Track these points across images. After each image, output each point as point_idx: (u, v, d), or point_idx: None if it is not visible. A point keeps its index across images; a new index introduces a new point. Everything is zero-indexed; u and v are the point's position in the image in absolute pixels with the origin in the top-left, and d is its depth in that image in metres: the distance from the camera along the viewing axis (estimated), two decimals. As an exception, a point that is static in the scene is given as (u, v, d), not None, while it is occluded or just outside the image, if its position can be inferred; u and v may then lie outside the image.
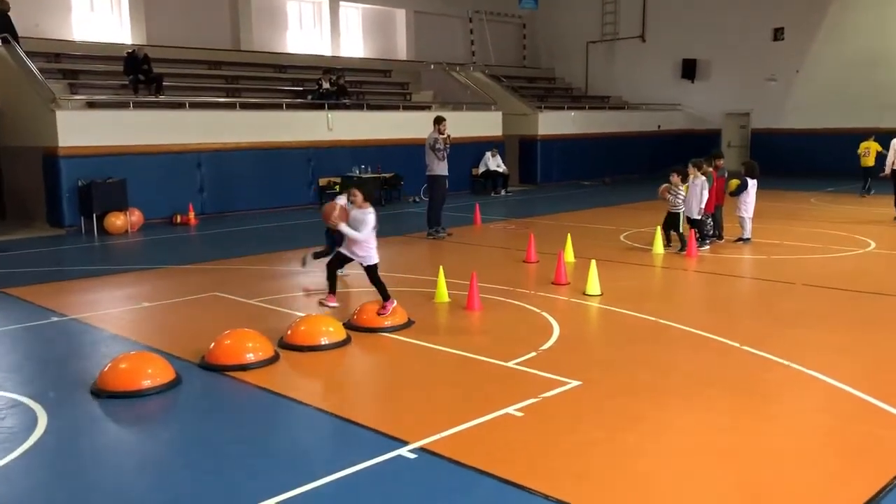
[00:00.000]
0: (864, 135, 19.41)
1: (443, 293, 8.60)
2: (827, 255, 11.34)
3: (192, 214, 15.80)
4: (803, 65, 25.09)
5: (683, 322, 7.55)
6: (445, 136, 13.35)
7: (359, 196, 7.87)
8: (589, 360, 6.53)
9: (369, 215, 7.79)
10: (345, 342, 6.95)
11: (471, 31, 28.30)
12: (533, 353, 6.58)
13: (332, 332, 6.94)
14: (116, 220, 14.39)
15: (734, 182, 12.37)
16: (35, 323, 7.93)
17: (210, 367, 6.32)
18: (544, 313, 7.98)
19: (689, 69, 27.38)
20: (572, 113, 25.21)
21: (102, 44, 19.11)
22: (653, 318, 7.72)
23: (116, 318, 8.18)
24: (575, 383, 5.81)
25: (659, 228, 11.75)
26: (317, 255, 9.25)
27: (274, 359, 6.48)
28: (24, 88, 15.30)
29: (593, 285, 8.84)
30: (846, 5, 24.14)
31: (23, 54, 15.53)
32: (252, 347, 6.41)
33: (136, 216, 14.83)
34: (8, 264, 11.41)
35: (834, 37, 24.44)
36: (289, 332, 6.95)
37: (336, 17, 24.69)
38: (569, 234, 11.29)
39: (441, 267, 8.81)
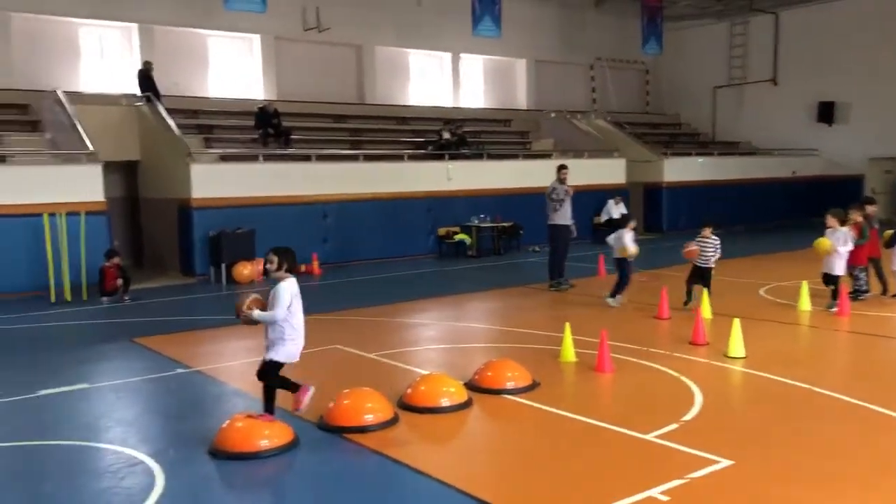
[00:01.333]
0: None
1: (569, 352, 8.09)
2: None
3: (315, 264, 16.00)
4: (958, 104, 23.14)
5: (843, 391, 6.72)
6: (566, 186, 12.87)
7: (274, 262, 5.84)
8: (739, 434, 5.84)
9: (281, 290, 5.72)
10: (466, 404, 6.56)
11: (592, 78, 27.90)
12: (674, 425, 5.96)
13: (452, 392, 6.57)
14: (244, 270, 14.71)
15: (888, 233, 11.26)
16: (160, 375, 7.99)
17: (328, 428, 6.07)
18: (683, 378, 7.32)
19: (827, 112, 25.80)
20: (700, 159, 24.22)
21: (236, 100, 19.96)
22: (807, 386, 6.92)
23: (238, 370, 8.14)
24: (726, 463, 5.17)
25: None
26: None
27: (393, 420, 6.17)
28: (162, 143, 16.10)
29: (737, 346, 8.09)
30: None
31: (163, 111, 16.37)
32: (371, 408, 6.13)
33: (262, 266, 15.10)
34: (140, 313, 11.78)
35: None
36: (408, 391, 6.64)
37: (457, 69, 24.92)
38: (704, 289, 10.52)
39: (567, 323, 8.31)
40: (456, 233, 18.50)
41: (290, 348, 5.86)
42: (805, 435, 5.75)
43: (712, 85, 28.56)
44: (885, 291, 11.23)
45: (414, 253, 18.02)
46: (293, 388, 5.95)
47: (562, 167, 13.15)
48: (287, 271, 5.85)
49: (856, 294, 10.95)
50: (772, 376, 7.32)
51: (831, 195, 23.15)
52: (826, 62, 25.51)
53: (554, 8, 26.41)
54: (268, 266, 5.93)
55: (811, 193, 24.74)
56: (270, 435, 5.67)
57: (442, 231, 18.54)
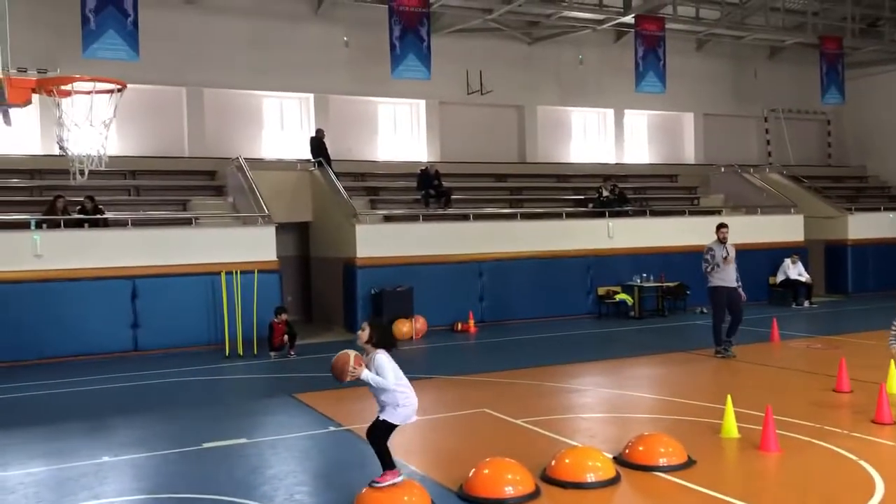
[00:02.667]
0: None
1: (731, 427, 7.49)
2: None
3: (472, 322, 16.07)
4: None
5: None
6: (726, 246, 12.00)
7: (366, 333, 5.92)
8: (928, 535, 5.11)
9: (382, 360, 5.85)
10: (613, 481, 6.21)
11: (766, 130, 26.52)
12: (848, 519, 5.32)
13: (599, 467, 6.25)
14: (403, 327, 15.03)
15: None
16: (313, 432, 8.24)
17: (467, 497, 5.95)
18: (863, 462, 6.55)
19: None
20: (890, 214, 22.16)
21: (403, 162, 20.74)
22: None
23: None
24: (909, 570, 4.51)
25: None
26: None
27: (534, 494, 5.94)
28: (331, 205, 16.98)
29: (929, 429, 7.17)
30: None
31: (332, 175, 17.30)
32: (511, 480, 5.95)
33: (420, 323, 15.40)
34: (303, 368, 12.29)
35: None
36: (552, 463, 6.39)
37: (621, 125, 24.57)
38: (893, 360, 9.44)
39: (729, 396, 7.72)
40: (616, 292, 17.97)
41: (406, 412, 5.86)
42: None
43: (904, 133, 26.24)
44: None
45: (572, 313, 17.66)
46: (389, 464, 5.82)
47: (721, 226, 12.37)
48: (377, 345, 5.88)
49: None
50: (973, 467, 6.38)
51: None
52: None
53: (724, 60, 25.50)
54: (360, 333, 5.99)
55: None
56: (410, 502, 5.63)
57: (602, 290, 18.08)
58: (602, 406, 9.42)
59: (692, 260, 18.82)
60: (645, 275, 18.21)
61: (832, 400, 9.06)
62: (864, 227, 21.37)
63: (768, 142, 26.47)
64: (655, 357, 12.49)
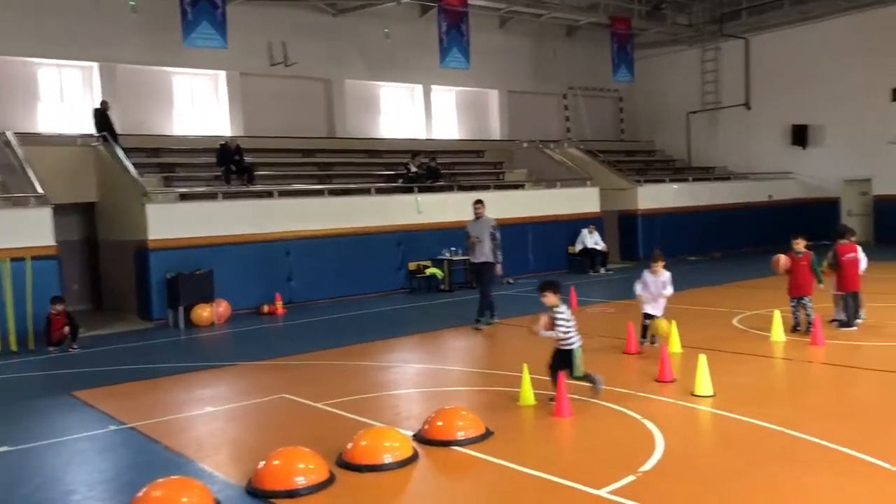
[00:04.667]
0: None
1: (528, 395, 7.63)
2: (985, 342, 9.67)
3: (279, 304, 15.49)
4: (930, 124, 23.08)
5: (819, 433, 6.26)
6: (490, 222, 12.74)
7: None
8: (702, 487, 5.38)
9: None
10: (411, 460, 6.07)
11: (565, 107, 27.75)
12: (631, 478, 5.50)
13: (396, 447, 6.08)
14: (203, 312, 14.19)
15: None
16: (89, 433, 7.45)
17: (256, 492, 5.57)
18: (646, 421, 6.86)
19: (800, 135, 25.70)
20: (674, 185, 23.99)
21: (201, 137, 19.55)
22: (779, 428, 6.47)
23: (175, 426, 7.61)
24: (683, 523, 4.71)
25: (777, 316, 10.33)
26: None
27: (328, 482, 5.67)
28: (119, 183, 15.65)
29: (703, 384, 7.65)
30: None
31: (119, 151, 15.92)
32: (303, 469, 5.63)
33: (222, 307, 14.61)
34: (87, 363, 11.22)
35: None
36: (348, 447, 6.14)
37: (429, 101, 24.66)
38: (673, 321, 10.07)
39: (525, 364, 7.85)
40: (427, 267, 18.06)
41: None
42: (777, 489, 5.28)
43: (686, 111, 28.47)
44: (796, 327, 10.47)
45: (384, 289, 17.55)
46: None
47: (475, 201, 12.98)
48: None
49: (841, 323, 10.63)
50: (741, 417, 6.87)
51: (807, 218, 22.96)
52: (798, 85, 25.47)
53: (525, 38, 26.29)
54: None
55: (788, 217, 24.48)
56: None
57: (413, 265, 18.10)
58: (408, 382, 9.33)
59: (500, 232, 19.45)
60: (454, 248, 18.41)
61: (623, 362, 9.52)
62: (652, 197, 22.94)
63: (567, 118, 27.72)
64: (464, 329, 12.61)
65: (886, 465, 5.51)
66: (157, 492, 5.25)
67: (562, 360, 7.70)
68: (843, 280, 10.61)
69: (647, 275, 10.02)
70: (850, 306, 10.63)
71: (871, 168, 24.30)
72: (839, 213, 24.90)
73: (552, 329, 7.66)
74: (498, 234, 12.71)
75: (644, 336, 9.97)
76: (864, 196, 24.92)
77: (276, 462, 5.69)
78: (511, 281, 18.52)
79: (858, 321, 10.72)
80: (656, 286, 9.84)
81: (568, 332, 7.68)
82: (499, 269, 12.72)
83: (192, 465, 6.34)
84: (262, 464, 5.73)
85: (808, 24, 25.28)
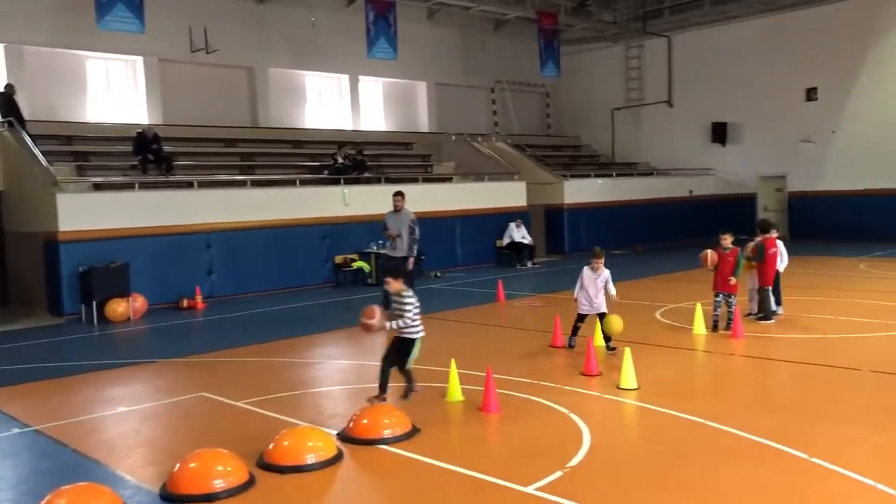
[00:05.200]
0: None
1: (456, 391, 7.53)
2: (891, 333, 10.07)
3: (199, 298, 14.98)
4: (839, 124, 24.05)
5: (737, 425, 6.37)
6: (410, 216, 12.34)
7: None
8: (629, 481, 5.38)
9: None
10: (335, 459, 5.88)
11: (493, 101, 27.81)
12: (558, 473, 5.46)
13: (320, 447, 5.88)
14: (118, 307, 13.60)
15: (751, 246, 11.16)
16: (-10, 437, 7.00)
17: (170, 497, 5.29)
18: (573, 415, 6.86)
19: (720, 132, 26.45)
20: (599, 180, 24.34)
21: (118, 125, 18.74)
22: (701, 420, 6.56)
23: (85, 428, 7.20)
24: (610, 519, 4.68)
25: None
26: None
27: (248, 484, 5.43)
28: (26, 172, 14.83)
29: (628, 377, 7.71)
30: (881, 61, 23.20)
31: (27, 137, 15.10)
32: (222, 472, 5.38)
33: (139, 302, 14.04)
34: (-8, 360, 10.59)
35: (869, 95, 23.44)
36: (270, 447, 5.91)
37: (356, 92, 24.30)
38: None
39: (453, 360, 7.75)
40: (354, 260, 17.79)
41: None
42: (698, 480, 5.33)
43: (611, 107, 28.93)
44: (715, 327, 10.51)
45: (310, 283, 17.18)
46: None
47: (395, 193, 12.47)
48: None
49: (759, 316, 10.91)
50: (665, 410, 6.94)
51: (726, 214, 23.68)
52: (718, 84, 26.18)
53: (453, 30, 26.21)
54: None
55: (708, 212, 25.23)
56: (96, 512, 4.86)
57: (339, 259, 17.80)
58: (332, 379, 9.11)
59: (427, 225, 19.23)
60: (381, 241, 18.17)
61: (549, 355, 9.52)
62: (577, 192, 23.21)
63: (495, 112, 27.79)
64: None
65: (804, 456, 5.62)
66: (62, 500, 4.91)
67: (400, 351, 7.37)
68: (764, 274, 10.88)
69: (586, 272, 9.56)
70: (765, 300, 10.91)
71: (786, 165, 25.20)
72: (756, 208, 25.74)
73: (396, 319, 7.28)
74: (417, 230, 12.32)
75: (574, 336, 9.63)
76: (780, 192, 25.83)
77: (192, 465, 5.42)
78: (439, 275, 18.45)
79: (777, 314, 11.04)
80: (595, 285, 9.42)
81: (416, 318, 7.34)
82: (410, 262, 12.20)
83: (103, 469, 6.00)
84: (177, 467, 5.45)
85: (727, 24, 26.00)
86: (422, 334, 7.43)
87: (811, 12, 24.19)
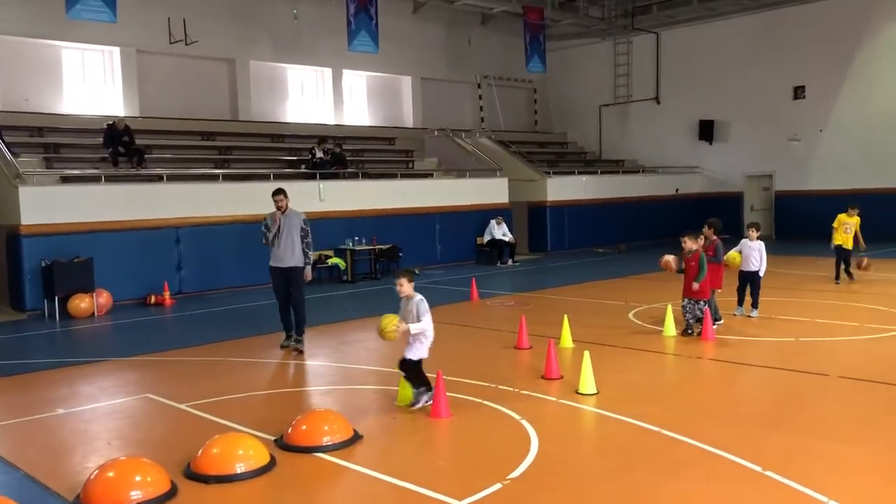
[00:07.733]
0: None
1: (406, 394, 7.24)
2: (866, 336, 9.82)
3: (167, 294, 14.67)
4: (827, 123, 23.81)
5: (693, 434, 6.10)
6: (299, 217, 10.02)
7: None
8: (567, 495, 5.10)
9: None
10: (266, 469, 5.59)
11: (479, 96, 27.50)
12: (497, 486, 5.18)
13: (250, 455, 5.59)
14: (81, 303, 13.29)
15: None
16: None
17: (83, 509, 5.00)
18: (524, 421, 6.58)
19: (707, 131, 26.20)
20: (583, 178, 24.05)
21: (91, 117, 18.40)
22: (656, 429, 6.28)
23: (17, 431, 6.91)
24: (541, 538, 4.40)
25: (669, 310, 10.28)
26: None
27: (168, 495, 5.14)
28: (-10, 164, 14.49)
29: (587, 382, 7.43)
30: (869, 60, 22.96)
31: (-9, 129, 14.77)
32: (140, 482, 5.08)
33: (103, 298, 13.72)
34: (-58, 357, 10.27)
35: (857, 93, 23.20)
36: (198, 454, 5.62)
37: (339, 86, 23.98)
38: (565, 316, 9.86)
39: (406, 362, 7.45)
40: (329, 256, 17.49)
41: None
42: (643, 495, 5.05)
43: (598, 103, 28.67)
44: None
45: (283, 279, 16.83)
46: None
47: (275, 192, 10.03)
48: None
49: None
50: (620, 417, 6.66)
51: (713, 212, 23.37)
52: (706, 81, 25.93)
53: (439, 24, 25.89)
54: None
55: (694, 211, 24.97)
56: (-2, 525, 4.57)
57: (314, 255, 17.42)
58: (286, 381, 8.82)
59: (406, 222, 19.11)
60: (357, 238, 17.94)
61: (513, 357, 9.25)
62: (560, 189, 22.93)
63: (481, 108, 27.49)
64: (361, 322, 12.15)
65: (756, 468, 5.36)
66: (-37, 512, 4.64)
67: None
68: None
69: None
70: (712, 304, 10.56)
71: (773, 164, 24.97)
72: (742, 207, 25.51)
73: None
74: (310, 234, 10.11)
75: None
76: (766, 191, 25.59)
77: (109, 474, 5.12)
78: (418, 272, 18.12)
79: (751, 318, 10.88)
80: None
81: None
82: (308, 273, 10.08)
83: (21, 477, 5.69)
84: (93, 475, 5.16)
85: (716, 20, 25.73)
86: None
87: (800, 10, 23.95)
